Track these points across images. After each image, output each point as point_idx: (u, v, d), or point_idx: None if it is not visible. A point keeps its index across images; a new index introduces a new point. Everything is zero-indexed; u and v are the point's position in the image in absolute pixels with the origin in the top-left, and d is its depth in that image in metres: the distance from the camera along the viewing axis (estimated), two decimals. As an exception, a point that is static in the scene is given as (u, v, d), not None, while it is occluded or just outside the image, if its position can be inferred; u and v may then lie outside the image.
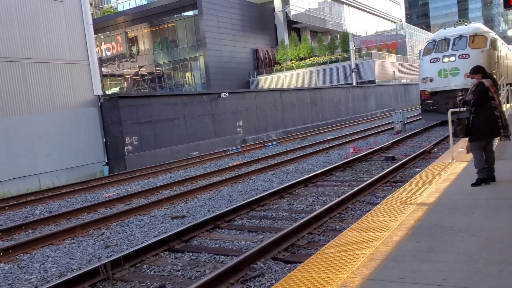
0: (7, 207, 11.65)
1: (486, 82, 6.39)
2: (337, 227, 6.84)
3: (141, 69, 53.21)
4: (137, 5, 60.47)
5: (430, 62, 19.83)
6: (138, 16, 51.76)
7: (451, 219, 5.11)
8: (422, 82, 20.22)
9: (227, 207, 8.80)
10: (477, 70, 6.69)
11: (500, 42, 22.78)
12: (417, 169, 10.80)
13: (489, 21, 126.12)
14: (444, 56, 19.43)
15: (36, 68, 16.82)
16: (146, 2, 60.45)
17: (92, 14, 23.07)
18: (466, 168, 8.11)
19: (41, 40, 17.12)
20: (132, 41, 53.41)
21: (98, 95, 18.87)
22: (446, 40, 19.85)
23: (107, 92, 40.14)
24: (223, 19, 47.58)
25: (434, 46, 20.22)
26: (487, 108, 6.29)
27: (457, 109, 7.84)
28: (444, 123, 19.74)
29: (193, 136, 21.98)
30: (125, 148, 18.57)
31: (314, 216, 6.90)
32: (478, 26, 20.70)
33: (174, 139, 20.89)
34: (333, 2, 60.96)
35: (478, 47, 18.91)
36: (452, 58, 19.09)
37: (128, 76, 54.05)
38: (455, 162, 8.86)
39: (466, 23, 20.79)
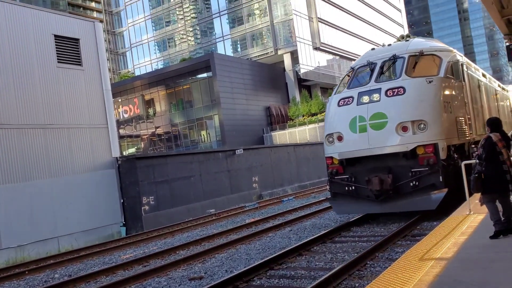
0: (27, 272, 11.73)
1: (494, 136, 6.50)
2: (357, 284, 6.77)
3: (157, 129, 54.39)
4: (153, 69, 62.87)
5: (338, 105, 11.19)
6: (154, 79, 53.64)
7: (470, 274, 5.06)
8: (326, 142, 11.41)
9: (245, 267, 8.76)
10: (487, 123, 6.82)
11: (472, 69, 14.14)
12: (435, 223, 10.71)
13: (497, 71, 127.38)
14: (361, 94, 10.80)
15: (57, 133, 17.45)
16: (162, 66, 62.84)
17: (110, 79, 24.11)
18: (484, 220, 8.04)
19: (62, 106, 17.87)
20: (149, 103, 55.00)
21: (116, 157, 19.34)
22: (370, 65, 11.38)
23: (124, 153, 40.94)
24: (236, 79, 49.02)
25: (351, 77, 11.95)
26: (496, 163, 6.37)
27: (472, 161, 7.38)
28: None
29: (210, 193, 22.12)
30: (142, 208, 18.75)
31: (333, 274, 6.85)
32: (427, 41, 12.86)
33: (191, 197, 21.05)
34: (341, 59, 62.58)
35: (422, 75, 10.76)
36: (375, 96, 10.51)
37: (145, 137, 55.20)
38: (473, 214, 8.79)
39: (409, 39, 12.71)
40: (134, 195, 18.87)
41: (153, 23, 68.26)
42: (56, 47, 18.28)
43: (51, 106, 17.48)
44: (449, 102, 10.92)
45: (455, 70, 11.51)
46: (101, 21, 61.20)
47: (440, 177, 9.96)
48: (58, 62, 18.27)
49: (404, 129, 10.21)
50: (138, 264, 11.05)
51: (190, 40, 65.15)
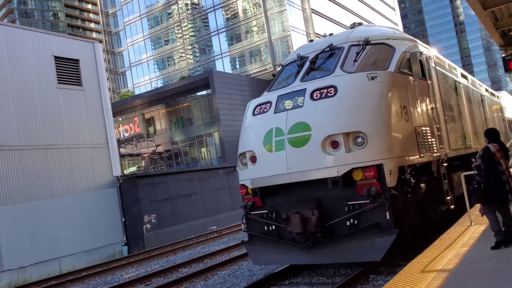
0: (28, 294, 11.67)
1: (492, 147, 6.54)
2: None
3: (158, 148, 54.47)
4: (153, 88, 63.24)
5: (254, 114, 8.45)
6: (154, 98, 53.95)
7: (472, 285, 5.06)
8: (240, 165, 8.60)
9: (247, 284, 8.73)
10: (484, 134, 6.83)
11: (446, 67, 11.27)
12: (437, 235, 10.68)
13: (496, 82, 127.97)
14: (281, 98, 8.08)
15: (58, 153, 17.51)
16: (161, 85, 63.27)
17: (110, 98, 24.28)
18: (485, 231, 8.03)
19: (63, 126, 17.97)
20: (149, 122, 55.20)
21: (117, 176, 19.36)
22: (300, 60, 8.80)
23: (125, 172, 40.90)
24: (235, 96, 49.33)
25: (276, 77, 9.51)
26: (495, 173, 6.40)
27: (471, 172, 6.87)
28: None
29: (211, 210, 22.10)
30: (144, 226, 18.71)
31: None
32: (378, 28, 10.54)
33: (192, 215, 21.02)
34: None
35: (366, 69, 7.97)
36: (298, 100, 7.77)
37: (146, 155, 55.26)
38: (474, 225, 8.79)
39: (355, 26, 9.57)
40: (136, 214, 18.84)
41: (152, 42, 68.90)
42: (56, 68, 18.46)
43: (52, 127, 17.58)
44: (405, 106, 7.84)
45: (414, 64, 8.29)
46: (101, 41, 61.84)
47: (387, 213, 6.93)
48: (59, 83, 18.42)
49: (334, 145, 7.21)
50: (141, 283, 11.00)
51: (189, 58, 65.72)
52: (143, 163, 55.67)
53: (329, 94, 7.44)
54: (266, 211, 8.00)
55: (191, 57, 65.29)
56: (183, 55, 65.96)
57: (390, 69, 8.02)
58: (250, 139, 8.27)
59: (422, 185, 8.09)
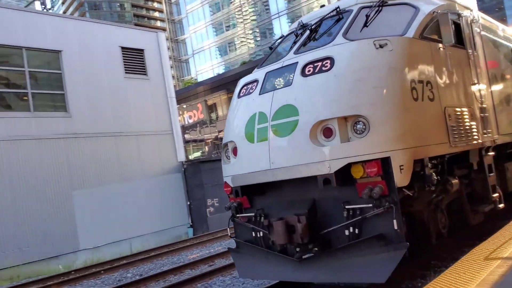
0: (102, 271, 12.55)
1: None
2: (419, 284, 6.64)
3: (220, 133, 55.62)
4: (215, 74, 64.44)
5: (239, 96, 6.84)
6: (216, 84, 54.95)
7: (539, 274, 4.83)
8: (224, 158, 7.16)
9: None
10: None
11: (495, 32, 9.13)
12: (505, 221, 10.17)
13: None
14: (269, 76, 6.33)
15: (126, 140, 18.43)
16: (223, 71, 64.27)
17: (174, 86, 25.09)
18: (560, 217, 7.56)
19: (130, 114, 18.86)
20: (212, 108, 56.43)
21: (182, 162, 20.10)
22: (300, 29, 7.04)
23: (190, 157, 42.29)
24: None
25: (273, 50, 7.82)
26: None
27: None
28: None
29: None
30: (207, 210, 19.34)
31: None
32: None
33: (254, 199, 21.40)
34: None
35: (374, 35, 5.87)
36: (288, 77, 5.97)
37: (209, 141, 56.65)
38: (548, 211, 8.28)
39: None
40: (199, 198, 19.51)
41: (213, 29, 70.00)
42: (123, 59, 19.33)
43: (120, 115, 18.52)
44: (429, 82, 6.04)
45: (444, 28, 6.34)
46: (164, 30, 63.65)
47: (394, 221, 5.19)
48: (125, 72, 19.30)
49: (327, 133, 5.54)
50: (204, 263, 11.45)
51: (250, 42, 66.09)
52: (206, 149, 57.17)
53: (323, 68, 5.63)
54: (253, 214, 6.35)
55: (252, 41, 65.62)
56: (244, 40, 66.44)
57: (408, 34, 6.01)
58: (233, 127, 6.62)
59: (454, 181, 6.35)
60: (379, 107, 5.40)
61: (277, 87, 6.00)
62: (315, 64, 5.74)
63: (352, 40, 5.91)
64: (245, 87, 6.69)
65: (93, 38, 18.44)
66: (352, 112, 5.42)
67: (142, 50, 20.23)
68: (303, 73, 5.80)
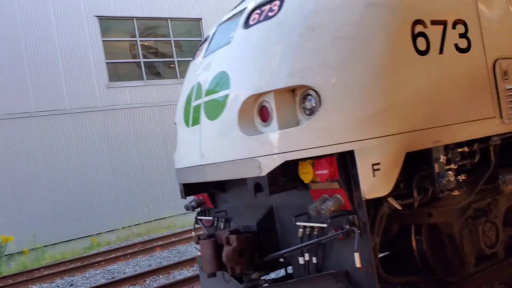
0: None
1: None
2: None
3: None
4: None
5: (193, 59, 4.89)
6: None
7: None
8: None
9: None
10: None
11: None
12: None
13: None
14: (220, 30, 4.43)
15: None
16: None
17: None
18: None
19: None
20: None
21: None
22: None
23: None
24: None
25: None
26: None
27: None
28: None
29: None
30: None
31: None
32: None
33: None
34: None
35: None
36: (232, 31, 4.01)
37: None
38: None
39: None
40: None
41: None
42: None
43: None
44: (458, 21, 3.55)
45: None
46: None
47: (356, 255, 3.06)
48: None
49: (264, 113, 3.51)
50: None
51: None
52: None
53: (269, 14, 3.66)
54: (211, 217, 4.73)
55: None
56: None
57: None
58: (178, 104, 4.88)
59: (509, 176, 4.06)
60: (339, 71, 3.17)
61: (220, 45, 4.19)
62: (262, 9, 3.82)
63: None
64: (200, 48, 4.90)
65: (230, 6, 19.13)
66: (294, 82, 3.29)
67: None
68: (246, 23, 3.92)
